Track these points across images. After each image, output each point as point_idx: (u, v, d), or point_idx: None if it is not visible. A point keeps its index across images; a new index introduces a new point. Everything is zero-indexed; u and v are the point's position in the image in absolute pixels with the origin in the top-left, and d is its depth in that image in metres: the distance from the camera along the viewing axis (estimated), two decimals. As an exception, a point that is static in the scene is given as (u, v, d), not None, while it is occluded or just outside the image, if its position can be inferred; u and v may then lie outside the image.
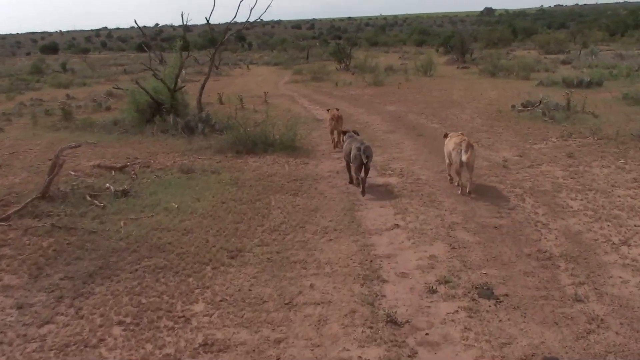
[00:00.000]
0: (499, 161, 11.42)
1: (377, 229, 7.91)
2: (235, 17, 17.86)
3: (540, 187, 9.57)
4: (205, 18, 17.59)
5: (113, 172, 11.14)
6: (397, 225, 8.00)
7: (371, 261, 6.83)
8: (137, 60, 53.03)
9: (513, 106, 17.93)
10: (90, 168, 11.60)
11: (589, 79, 22.96)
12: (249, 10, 17.92)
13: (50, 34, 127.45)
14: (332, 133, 13.65)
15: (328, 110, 14.43)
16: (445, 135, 10.46)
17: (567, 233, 7.45)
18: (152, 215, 8.58)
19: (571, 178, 9.99)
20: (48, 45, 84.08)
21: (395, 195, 9.42)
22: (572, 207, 8.45)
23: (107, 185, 9.92)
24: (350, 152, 9.74)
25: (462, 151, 9.07)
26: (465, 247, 7.11)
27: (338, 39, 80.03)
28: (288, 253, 7.13)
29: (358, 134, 10.72)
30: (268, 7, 18.20)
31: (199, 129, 14.90)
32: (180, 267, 6.75)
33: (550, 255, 6.79)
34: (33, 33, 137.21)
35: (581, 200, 8.78)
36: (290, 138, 13.12)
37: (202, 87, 17.91)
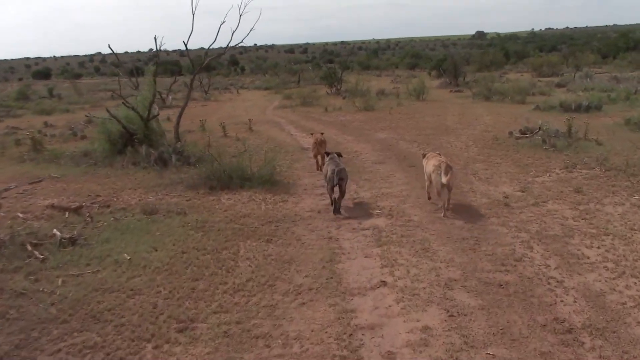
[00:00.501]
0: (500, 198, 10.14)
1: (361, 288, 6.58)
2: (215, 41, 16.70)
3: (549, 230, 8.28)
4: (183, 42, 16.40)
5: (67, 213, 9.81)
6: (384, 283, 6.67)
7: (351, 335, 5.50)
8: (127, 85, 51.97)
9: (510, 133, 16.74)
10: (43, 209, 10.26)
11: (587, 103, 21.86)
12: (231, 34, 16.71)
13: (44, 59, 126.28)
14: (315, 157, 13.34)
15: (312, 134, 14.15)
16: (424, 156, 10.58)
17: (588, 294, 6.14)
18: (98, 271, 7.24)
19: (582, 219, 8.71)
20: (40, 70, 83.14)
21: (383, 242, 8.09)
22: (588, 258, 7.13)
23: (54, 231, 8.58)
24: (327, 174, 9.84)
25: (442, 173, 9.17)
26: (465, 315, 5.79)
27: (330, 63, 79.35)
28: (250, 324, 5.78)
29: (341, 156, 10.65)
30: (250, 30, 16.93)
31: (172, 161, 13.62)
32: (115, 346, 5.40)
33: (571, 326, 5.47)
34: (27, 59, 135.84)
35: (598, 248, 7.48)
36: (268, 172, 11.82)
37: (180, 115, 16.65)
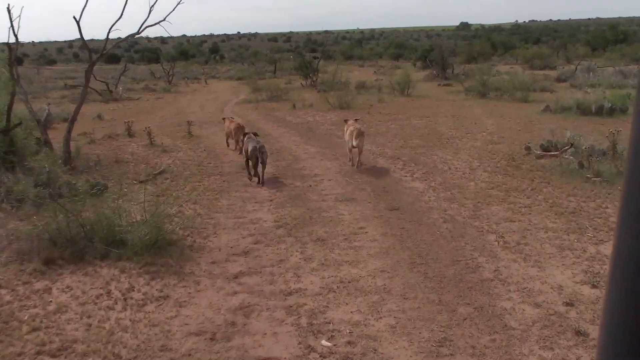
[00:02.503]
0: (557, 305, 5.19)
1: None
2: (120, 17, 11.58)
3: None
4: (74, 18, 11.22)
5: None
6: None
7: None
8: (99, 72, 46.39)
9: (528, 149, 11.87)
10: None
11: (610, 105, 17.00)
12: (148, 10, 11.61)
13: (22, 44, 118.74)
14: (236, 142, 12.96)
15: (224, 119, 14.21)
16: (346, 121, 11.75)
17: None
18: None
19: None
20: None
21: None
22: None
23: None
24: (248, 150, 10.17)
25: (354, 138, 10.73)
26: None
27: (314, 52, 73.73)
28: None
29: (257, 135, 10.89)
30: (178, 4, 11.79)
31: (29, 197, 8.51)
32: None
33: None
34: (3, 44, 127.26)
35: None
36: (153, 233, 6.76)
37: (72, 120, 11.41)
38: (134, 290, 5.73)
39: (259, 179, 10.11)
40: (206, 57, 75.06)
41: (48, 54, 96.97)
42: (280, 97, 25.08)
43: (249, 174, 10.38)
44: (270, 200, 9.06)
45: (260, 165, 10.04)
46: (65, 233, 6.60)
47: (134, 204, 7.34)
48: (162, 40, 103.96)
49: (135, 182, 10.22)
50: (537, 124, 15.43)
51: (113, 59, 75.77)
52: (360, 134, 10.65)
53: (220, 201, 9.05)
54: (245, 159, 10.50)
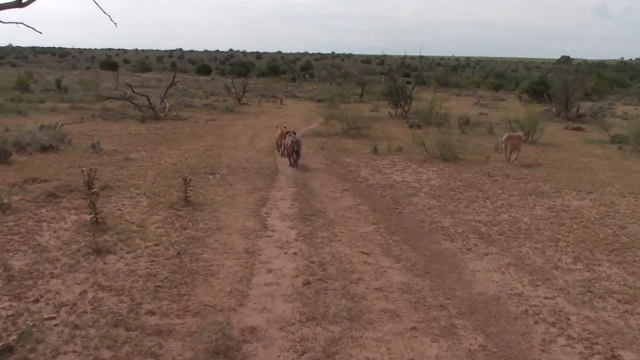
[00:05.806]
0: None
1: None
2: None
3: None
4: None
5: None
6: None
7: None
8: (179, 82, 41.12)
9: None
10: None
11: None
12: None
13: (125, 51, 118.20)
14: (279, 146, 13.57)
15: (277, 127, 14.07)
16: None
17: None
18: None
19: None
20: (107, 61, 74.21)
21: None
22: None
23: None
24: (288, 143, 12.17)
25: None
26: None
27: (407, 77, 65.82)
28: None
29: (295, 133, 12.69)
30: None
31: None
32: None
33: None
34: (110, 49, 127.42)
35: None
36: None
37: None
38: None
39: (293, 164, 12.06)
40: (295, 74, 69.03)
41: (148, 61, 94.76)
42: (359, 131, 17.92)
43: (290, 161, 12.25)
44: None
45: (295, 155, 11.99)
46: None
47: None
48: (258, 55, 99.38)
49: None
50: None
51: (204, 70, 71.68)
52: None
53: None
54: (284, 150, 12.78)
